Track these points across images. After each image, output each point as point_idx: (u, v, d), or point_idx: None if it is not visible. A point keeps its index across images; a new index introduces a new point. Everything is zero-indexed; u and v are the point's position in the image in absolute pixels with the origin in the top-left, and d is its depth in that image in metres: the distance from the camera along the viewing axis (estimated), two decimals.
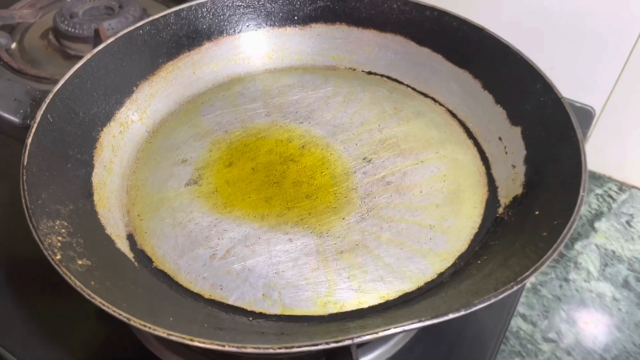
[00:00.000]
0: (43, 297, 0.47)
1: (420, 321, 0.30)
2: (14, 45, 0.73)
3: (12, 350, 0.44)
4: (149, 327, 0.30)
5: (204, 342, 0.30)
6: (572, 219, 0.35)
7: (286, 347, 0.29)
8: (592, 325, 0.59)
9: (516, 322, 0.59)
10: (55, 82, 0.62)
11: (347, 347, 0.35)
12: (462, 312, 0.31)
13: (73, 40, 0.72)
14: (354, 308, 0.38)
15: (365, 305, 0.38)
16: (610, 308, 0.61)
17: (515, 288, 0.32)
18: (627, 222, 0.70)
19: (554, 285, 0.63)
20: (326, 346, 0.29)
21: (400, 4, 0.55)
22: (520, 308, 0.60)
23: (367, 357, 0.43)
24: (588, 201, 0.72)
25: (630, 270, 0.65)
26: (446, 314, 0.30)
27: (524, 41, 0.71)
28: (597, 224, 0.70)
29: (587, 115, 0.66)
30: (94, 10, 0.76)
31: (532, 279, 0.62)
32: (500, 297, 0.31)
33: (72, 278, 0.32)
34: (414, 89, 0.56)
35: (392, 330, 0.30)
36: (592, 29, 0.67)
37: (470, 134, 0.51)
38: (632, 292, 0.62)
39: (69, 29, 0.71)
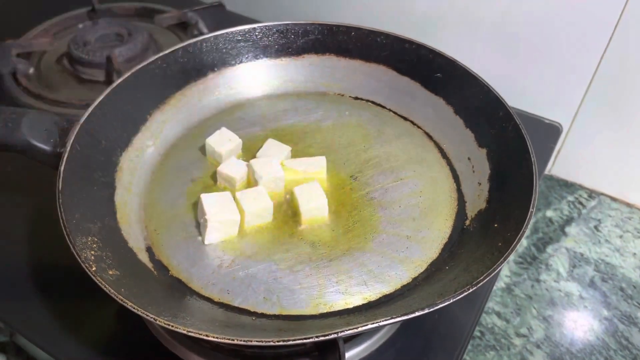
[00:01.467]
0: (70, 299, 0.55)
1: (392, 318, 0.37)
2: (31, 71, 0.81)
3: (44, 347, 0.51)
4: (172, 326, 0.38)
5: (216, 337, 0.37)
6: (521, 232, 0.43)
7: (284, 341, 0.37)
8: (560, 322, 0.66)
9: (491, 319, 0.65)
10: (71, 105, 0.70)
11: (335, 341, 0.43)
12: (427, 311, 0.38)
13: (86, 66, 0.79)
14: (341, 308, 0.46)
15: (350, 306, 0.46)
16: (577, 306, 0.67)
17: (470, 290, 0.39)
18: (595, 227, 0.77)
19: (526, 285, 0.69)
20: (316, 339, 0.37)
21: (382, 37, 0.63)
22: (495, 306, 0.66)
23: (353, 350, 0.50)
24: (560, 207, 0.79)
25: (596, 271, 0.71)
26: (414, 312, 0.38)
27: (497, 64, 0.79)
28: (567, 229, 0.76)
29: (554, 131, 0.74)
30: (105, 38, 0.83)
31: (506, 279, 0.69)
32: (458, 297, 0.39)
33: (107, 286, 0.40)
34: (395, 112, 0.63)
35: (370, 326, 0.37)
36: (559, 52, 0.74)
37: (444, 154, 0.58)
38: (597, 291, 0.69)
39: (83, 56, 0.78)
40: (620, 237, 0.76)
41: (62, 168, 0.48)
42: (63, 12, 0.92)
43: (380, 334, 0.51)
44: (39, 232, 0.61)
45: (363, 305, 0.46)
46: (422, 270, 0.49)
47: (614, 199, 0.81)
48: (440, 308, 0.38)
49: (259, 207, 0.51)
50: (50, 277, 0.57)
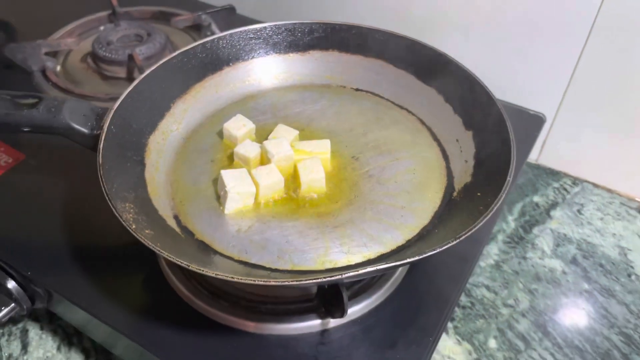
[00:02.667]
0: (109, 268, 0.62)
1: (386, 263, 0.45)
2: (58, 68, 0.89)
3: (82, 306, 0.59)
4: (203, 270, 0.45)
5: (240, 279, 0.45)
6: (499, 196, 0.50)
7: (297, 281, 0.44)
8: (544, 294, 0.72)
9: (481, 292, 0.72)
10: (98, 99, 0.78)
11: (338, 288, 0.50)
12: (416, 258, 0.45)
13: (109, 64, 0.87)
14: (344, 264, 0.53)
15: (352, 263, 0.54)
16: (559, 280, 0.74)
17: (454, 242, 0.46)
18: (578, 211, 0.84)
19: (513, 263, 0.76)
20: (324, 279, 0.44)
21: (380, 34, 0.71)
22: (485, 281, 0.73)
23: (354, 307, 0.58)
24: (546, 193, 0.86)
25: (578, 249, 0.78)
26: (405, 259, 0.45)
27: (486, 60, 0.86)
28: (552, 212, 0.83)
29: (538, 120, 0.82)
30: (126, 38, 0.91)
31: (495, 257, 0.76)
32: (444, 248, 0.46)
33: (145, 240, 0.47)
34: (392, 102, 0.71)
35: (369, 269, 0.45)
36: (541, 48, 0.82)
37: (435, 137, 0.66)
38: (578, 267, 0.75)
39: (106, 54, 0.86)
40: (601, 219, 0.83)
41: (101, 146, 0.56)
42: (86, 15, 1.00)
43: (379, 294, 0.59)
44: (74, 205, 0.68)
45: (363, 262, 0.54)
46: (414, 234, 0.56)
47: (596, 186, 0.88)
48: (429, 257, 0.46)
49: (272, 181, 0.58)
50: (87, 248, 0.64)
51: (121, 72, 0.87)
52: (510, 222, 0.82)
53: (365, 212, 0.58)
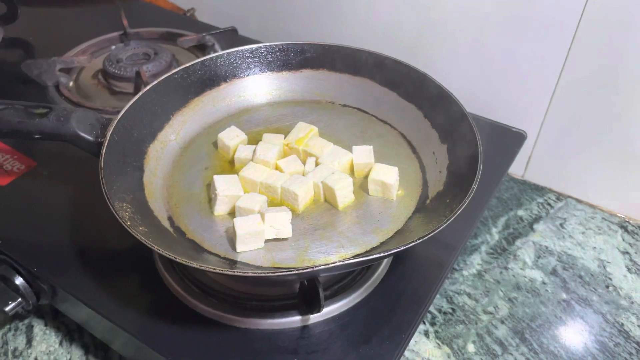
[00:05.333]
0: (109, 268, 0.67)
1: (356, 258, 0.50)
2: (71, 84, 0.96)
3: (87, 303, 0.64)
4: (188, 262, 0.50)
5: (222, 270, 0.50)
6: (462, 203, 0.55)
7: (272, 272, 0.50)
8: (523, 302, 0.76)
9: (462, 299, 0.76)
10: (106, 112, 0.85)
11: (315, 284, 0.55)
12: (382, 254, 0.50)
13: (118, 80, 0.94)
14: (322, 263, 0.58)
15: (329, 262, 0.58)
16: (539, 289, 0.77)
17: (416, 242, 0.51)
18: (561, 224, 0.87)
19: (495, 272, 0.79)
20: (298, 272, 0.49)
21: (366, 55, 0.77)
22: (467, 289, 0.77)
23: (333, 305, 0.62)
24: (530, 208, 0.90)
25: (558, 261, 0.81)
26: (372, 254, 0.51)
27: (471, 81, 0.92)
28: (535, 226, 0.87)
29: (519, 137, 0.86)
30: (135, 56, 0.98)
31: (478, 267, 0.80)
32: (407, 247, 0.50)
33: (138, 235, 0.53)
34: (376, 117, 0.77)
35: (340, 264, 0.50)
36: (522, 69, 0.87)
37: (414, 150, 0.72)
38: (558, 278, 0.79)
39: (116, 71, 0.93)
40: (583, 233, 0.86)
41: (103, 151, 0.62)
42: (99, 35, 1.08)
43: (357, 293, 0.63)
44: (80, 210, 0.74)
45: (339, 261, 0.58)
46: (389, 237, 0.61)
47: (579, 201, 0.92)
48: (399, 255, 0.51)
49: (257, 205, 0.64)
50: (90, 249, 0.70)
51: (129, 87, 0.93)
52: (494, 235, 0.86)
53: (345, 216, 0.64)
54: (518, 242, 0.84)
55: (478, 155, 0.61)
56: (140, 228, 0.57)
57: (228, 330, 0.61)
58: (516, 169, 0.97)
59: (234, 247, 0.60)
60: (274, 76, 0.80)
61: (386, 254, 0.51)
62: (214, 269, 0.50)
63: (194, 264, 0.50)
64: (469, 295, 0.77)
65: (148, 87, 0.71)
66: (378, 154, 0.71)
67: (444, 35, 0.92)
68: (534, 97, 0.88)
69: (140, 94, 0.70)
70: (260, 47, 0.79)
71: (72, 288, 0.65)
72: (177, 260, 0.51)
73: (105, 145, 0.63)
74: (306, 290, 0.59)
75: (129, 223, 0.55)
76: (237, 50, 0.78)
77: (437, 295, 0.75)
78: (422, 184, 0.67)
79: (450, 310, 0.75)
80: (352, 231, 0.62)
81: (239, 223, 0.59)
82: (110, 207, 0.56)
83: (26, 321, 0.76)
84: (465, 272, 0.79)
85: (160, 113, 0.73)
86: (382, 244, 0.61)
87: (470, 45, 0.90)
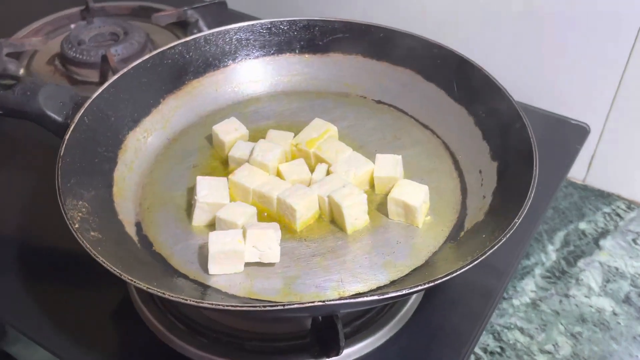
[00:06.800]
0: (73, 299, 0.68)
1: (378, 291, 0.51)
2: (21, 71, 0.97)
3: (46, 345, 0.64)
4: (135, 282, 0.51)
5: (183, 300, 0.50)
6: (496, 241, 0.54)
7: (252, 306, 0.50)
8: (590, 338, 0.73)
9: (513, 335, 0.74)
10: None
11: (332, 321, 0.54)
12: (376, 297, 0.50)
13: (80, 66, 0.96)
14: (310, 299, 0.58)
15: (322, 298, 0.58)
16: (609, 322, 0.75)
17: (428, 286, 0.50)
18: (634, 240, 0.85)
19: (553, 301, 0.78)
20: (312, 304, 0.48)
21: (412, 40, 0.77)
22: (519, 322, 0.75)
23: (353, 347, 0.61)
24: (594, 219, 0.88)
25: (632, 286, 0.79)
26: (367, 295, 0.51)
27: (518, 57, 0.90)
28: (602, 242, 0.85)
29: (581, 132, 0.85)
30: (99, 37, 1.01)
31: (532, 294, 0.78)
32: (413, 290, 0.50)
33: (84, 241, 0.54)
34: (417, 120, 0.77)
35: (365, 299, 0.50)
36: (585, 45, 0.85)
37: (457, 166, 0.71)
38: (632, 307, 0.77)
39: (77, 55, 0.95)
40: None
41: (66, 136, 0.65)
42: (56, 11, 1.09)
43: (384, 331, 0.63)
44: (34, 218, 0.77)
45: (365, 293, 0.58)
46: (402, 275, 0.61)
47: None
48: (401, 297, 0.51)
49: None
50: (47, 275, 0.71)
51: (93, 75, 0.95)
52: (550, 254, 0.84)
53: (354, 243, 0.64)
54: (581, 263, 0.83)
55: (530, 185, 0.59)
56: (93, 233, 0.59)
57: None
58: (576, 172, 0.94)
59: (206, 269, 0.61)
60: (296, 59, 0.82)
61: (381, 296, 0.50)
62: (163, 293, 0.51)
63: (141, 285, 0.51)
64: (521, 330, 0.75)
65: (135, 63, 0.73)
66: (410, 167, 0.70)
67: (484, 6, 0.91)
68: (598, 82, 0.86)
69: (125, 69, 0.72)
70: (281, 22, 0.80)
71: (25, 326, 0.66)
72: (123, 277, 0.52)
73: (72, 128, 0.65)
74: (321, 328, 0.57)
75: (77, 226, 0.57)
76: (252, 25, 0.80)
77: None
78: (458, 210, 0.67)
79: (499, 350, 0.73)
80: (359, 263, 0.62)
81: (214, 238, 0.60)
82: (60, 203, 0.58)
83: None
84: (516, 302, 0.78)
85: (148, 95, 0.75)
86: (392, 283, 0.60)
87: (516, 17, 0.89)
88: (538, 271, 0.82)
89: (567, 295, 0.79)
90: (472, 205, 0.66)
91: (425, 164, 0.71)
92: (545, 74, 0.91)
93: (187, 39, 0.78)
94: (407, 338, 0.64)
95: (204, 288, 0.60)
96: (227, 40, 0.80)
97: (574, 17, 0.84)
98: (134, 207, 0.68)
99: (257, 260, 0.61)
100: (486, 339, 0.74)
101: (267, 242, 0.61)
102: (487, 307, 0.66)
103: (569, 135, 0.84)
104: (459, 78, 0.73)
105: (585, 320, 0.76)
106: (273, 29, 0.80)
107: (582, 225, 0.88)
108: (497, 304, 0.69)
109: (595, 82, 0.87)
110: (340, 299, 0.53)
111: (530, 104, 0.86)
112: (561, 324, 0.76)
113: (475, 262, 0.52)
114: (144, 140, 0.74)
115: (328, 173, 0.68)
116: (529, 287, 0.80)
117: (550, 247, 0.85)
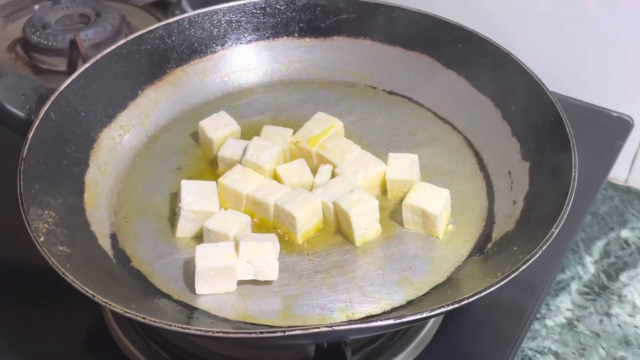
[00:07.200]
0: (40, 324, 0.66)
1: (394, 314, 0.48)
2: None
3: None
4: (114, 306, 0.47)
5: (168, 326, 0.46)
6: (531, 254, 0.50)
7: (268, 332, 0.46)
8: None
9: None
10: None
11: (340, 348, 0.52)
12: (390, 322, 0.46)
13: (45, 53, 0.92)
14: (314, 322, 0.54)
15: (327, 322, 0.54)
16: None
17: (451, 308, 0.46)
18: None
19: (593, 321, 0.76)
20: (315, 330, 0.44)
21: (429, 21, 0.73)
22: (553, 345, 0.74)
23: None
24: (637, 227, 0.87)
25: None
26: (380, 319, 0.47)
27: (552, 43, 0.89)
28: None
29: (623, 126, 0.83)
30: (67, 19, 0.97)
31: (567, 313, 0.77)
32: (434, 312, 0.46)
33: (51, 258, 0.50)
34: (434, 113, 0.73)
35: (379, 323, 0.46)
36: (629, 30, 0.83)
37: (482, 166, 0.67)
38: None
39: (41, 41, 0.92)
40: None
41: (30, 135, 0.61)
42: None
43: (400, 357, 0.60)
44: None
45: (379, 317, 0.54)
46: (421, 294, 0.57)
47: None
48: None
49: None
50: (11, 295, 0.68)
51: (61, 63, 0.91)
52: (588, 266, 0.82)
53: (365, 257, 0.60)
54: (624, 277, 0.81)
55: (569, 188, 0.56)
56: (61, 248, 0.55)
57: None
58: (617, 172, 0.92)
59: (192, 288, 0.57)
60: (295, 44, 0.78)
61: (397, 320, 0.46)
62: (144, 318, 0.47)
63: (117, 308, 0.47)
64: (556, 355, 0.73)
65: (109, 50, 0.70)
66: (427, 168, 0.67)
67: None
68: None
69: (97, 57, 0.69)
70: (277, 0, 0.77)
71: None
72: (96, 299, 0.48)
73: (36, 125, 0.62)
74: (326, 356, 0.55)
75: (42, 239, 0.53)
76: (244, 4, 0.76)
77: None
78: (485, 218, 0.63)
79: None
80: (370, 280, 0.58)
81: (201, 252, 0.56)
82: (23, 213, 0.54)
83: None
84: (549, 322, 0.76)
85: (124, 87, 0.71)
86: (408, 302, 0.56)
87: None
88: (574, 286, 0.80)
89: (608, 314, 0.77)
90: (501, 212, 0.63)
91: (445, 164, 0.68)
92: (583, 60, 0.89)
93: (169, 21, 0.74)
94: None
95: (191, 310, 0.56)
96: (215, 22, 0.76)
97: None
98: (109, 217, 0.64)
99: (252, 277, 0.58)
100: None
101: (263, 257, 0.57)
102: (518, 328, 0.64)
103: (610, 130, 0.82)
104: (484, 64, 0.70)
105: (629, 343, 0.74)
106: (268, 8, 0.77)
107: (625, 233, 0.86)
108: (530, 325, 0.66)
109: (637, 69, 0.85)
110: (349, 322, 0.49)
111: (566, 95, 0.84)
112: (602, 347, 0.74)
113: (507, 280, 0.49)
114: (120, 139, 0.70)
115: (333, 176, 0.65)
116: (564, 305, 0.78)
117: (588, 259, 0.83)
